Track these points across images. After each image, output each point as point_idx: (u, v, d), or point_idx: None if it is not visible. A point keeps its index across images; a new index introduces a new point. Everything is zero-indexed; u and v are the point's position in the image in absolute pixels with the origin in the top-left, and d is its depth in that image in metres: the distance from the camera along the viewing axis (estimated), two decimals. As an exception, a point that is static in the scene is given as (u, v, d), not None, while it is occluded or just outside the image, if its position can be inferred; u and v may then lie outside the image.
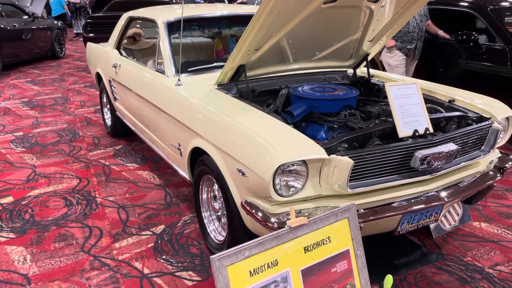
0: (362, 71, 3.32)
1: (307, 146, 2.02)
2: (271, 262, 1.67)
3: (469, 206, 3.16)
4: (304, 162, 1.98)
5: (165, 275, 2.43)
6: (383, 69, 4.98)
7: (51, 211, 3.13)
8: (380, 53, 5.00)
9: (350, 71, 3.31)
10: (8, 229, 2.88)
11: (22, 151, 4.33)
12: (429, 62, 5.13)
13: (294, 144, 2.03)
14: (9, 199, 3.31)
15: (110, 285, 2.34)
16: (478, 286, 2.34)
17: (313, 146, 2.01)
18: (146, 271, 2.46)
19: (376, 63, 5.41)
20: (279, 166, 1.91)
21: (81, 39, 11.17)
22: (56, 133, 4.88)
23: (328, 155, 1.99)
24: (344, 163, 1.96)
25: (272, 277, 1.67)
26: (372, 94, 3.11)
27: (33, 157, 4.16)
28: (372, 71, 3.33)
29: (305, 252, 1.77)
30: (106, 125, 4.83)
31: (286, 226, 1.76)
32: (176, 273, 2.44)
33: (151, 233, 2.85)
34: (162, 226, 2.93)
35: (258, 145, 2.04)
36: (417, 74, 5.06)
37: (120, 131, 4.54)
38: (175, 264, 2.52)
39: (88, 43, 5.14)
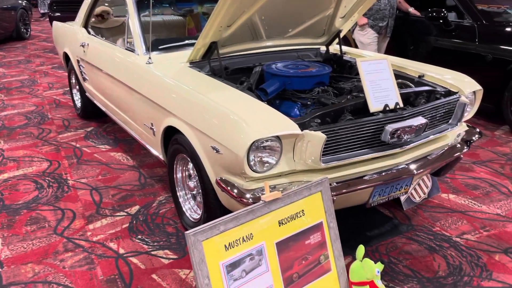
0: (334, 48, 3.33)
1: (281, 122, 2.02)
2: (246, 236, 1.70)
3: (438, 179, 3.26)
4: (278, 138, 1.99)
5: (141, 254, 2.43)
6: (356, 47, 5.02)
7: (22, 194, 3.06)
8: (352, 31, 5.02)
9: (323, 48, 3.31)
10: (-23, 214, 2.81)
11: (-12, 135, 4.20)
12: (400, 40, 5.20)
13: (267, 120, 2.03)
14: (-23, 183, 3.22)
15: (85, 266, 2.32)
16: (446, 254, 2.43)
17: (287, 122, 2.02)
18: (121, 251, 2.45)
19: (348, 41, 5.44)
20: (253, 142, 1.91)
21: (48, 19, 10.77)
22: (23, 115, 4.73)
23: (301, 130, 2.01)
24: (317, 138, 1.98)
25: (247, 251, 1.70)
26: (345, 71, 3.14)
27: (0, 141, 4.03)
28: (344, 48, 3.35)
29: (279, 226, 1.80)
30: (76, 106, 4.71)
31: (260, 200, 1.78)
32: (152, 252, 2.44)
33: (125, 213, 2.83)
34: (137, 207, 2.91)
35: (232, 122, 2.03)
36: (388, 52, 5.12)
37: (91, 112, 4.44)
38: (151, 244, 2.52)
39: (54, 22, 4.96)
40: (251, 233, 1.71)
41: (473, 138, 2.64)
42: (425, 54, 4.91)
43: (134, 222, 2.74)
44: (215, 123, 2.12)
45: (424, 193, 2.97)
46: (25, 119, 4.61)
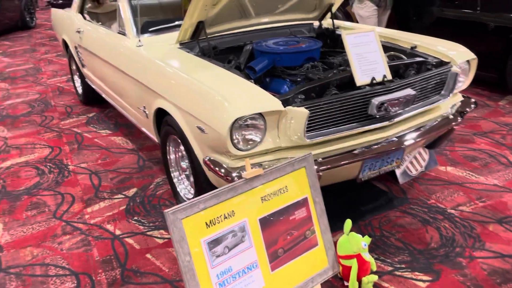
0: (328, 23, 3.28)
1: (263, 99, 2.01)
2: (227, 213, 1.71)
3: (436, 151, 3.23)
4: (261, 115, 1.98)
5: (137, 235, 2.48)
6: (357, 22, 4.92)
7: (23, 181, 3.14)
8: (351, 4, 4.92)
9: (316, 23, 3.26)
10: (-20, 201, 2.90)
11: (-7, 124, 4.28)
12: (402, 12, 5.08)
13: (250, 98, 2.03)
14: (-20, 172, 3.31)
15: (81, 248, 2.38)
16: (440, 226, 2.42)
17: (269, 99, 2.01)
18: (117, 232, 2.51)
19: (349, 15, 5.33)
20: (235, 120, 1.92)
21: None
22: (27, 104, 4.80)
23: (285, 107, 2.00)
24: (300, 114, 1.97)
25: (229, 227, 1.72)
26: (338, 46, 3.09)
27: (4, 129, 4.11)
28: (338, 22, 3.29)
29: (262, 202, 1.81)
30: (78, 93, 4.76)
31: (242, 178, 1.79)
32: (148, 233, 2.49)
33: (123, 196, 2.88)
34: (135, 189, 2.96)
35: (214, 101, 2.03)
36: (390, 25, 5.01)
37: (92, 98, 4.48)
38: (147, 224, 2.57)
39: (53, 9, 4.99)
40: (232, 210, 1.72)
41: (467, 109, 2.59)
42: (428, 25, 4.80)
43: (131, 204, 2.79)
44: (199, 103, 2.12)
45: (421, 166, 2.94)
46: (29, 107, 4.68)
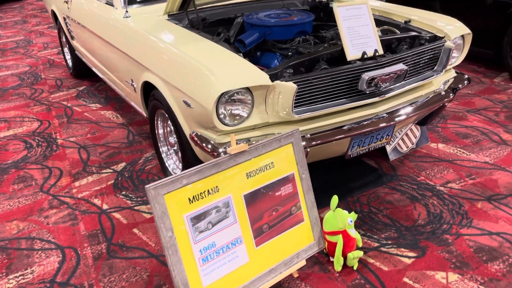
0: (322, -5, 3.19)
1: (250, 73, 1.96)
2: (211, 189, 1.69)
3: (428, 128, 3.21)
4: (248, 90, 1.94)
5: (124, 209, 2.46)
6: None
7: (11, 154, 3.10)
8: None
9: (310, -4, 3.18)
10: (-34, 174, 2.87)
11: (-19, 96, 4.21)
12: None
13: (236, 72, 1.97)
14: (-32, 145, 3.27)
15: (68, 222, 2.37)
16: (428, 203, 2.42)
17: (256, 73, 1.96)
18: (105, 207, 2.49)
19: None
20: (221, 94, 1.87)
21: (43, -23, 10.51)
22: (17, 76, 4.72)
23: (272, 81, 1.95)
24: (288, 88, 1.92)
25: (213, 203, 1.70)
26: (331, 19, 3.02)
27: (-8, 102, 4.06)
28: (333, -6, 3.20)
29: (247, 178, 1.79)
30: (68, 66, 4.67)
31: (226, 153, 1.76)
32: (135, 207, 2.48)
33: (111, 170, 2.86)
34: (123, 164, 2.93)
35: (200, 74, 1.98)
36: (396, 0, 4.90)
37: (83, 71, 4.40)
38: (134, 199, 2.55)
39: (41, -21, 4.84)
40: (216, 186, 1.70)
41: (460, 85, 2.55)
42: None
43: (120, 178, 2.76)
44: (185, 76, 2.07)
45: (412, 143, 2.93)
46: (19, 80, 4.60)
